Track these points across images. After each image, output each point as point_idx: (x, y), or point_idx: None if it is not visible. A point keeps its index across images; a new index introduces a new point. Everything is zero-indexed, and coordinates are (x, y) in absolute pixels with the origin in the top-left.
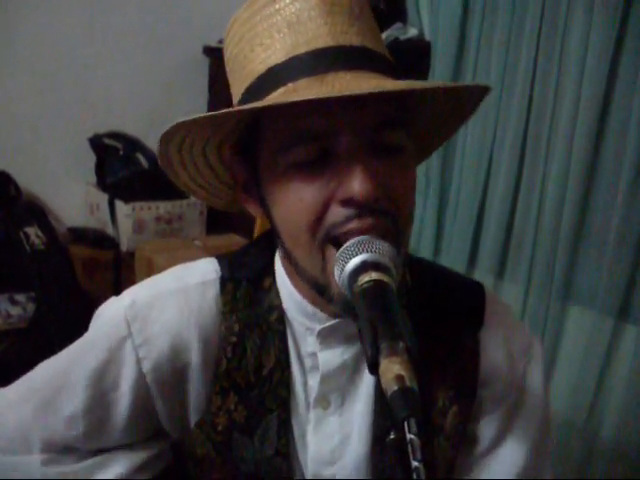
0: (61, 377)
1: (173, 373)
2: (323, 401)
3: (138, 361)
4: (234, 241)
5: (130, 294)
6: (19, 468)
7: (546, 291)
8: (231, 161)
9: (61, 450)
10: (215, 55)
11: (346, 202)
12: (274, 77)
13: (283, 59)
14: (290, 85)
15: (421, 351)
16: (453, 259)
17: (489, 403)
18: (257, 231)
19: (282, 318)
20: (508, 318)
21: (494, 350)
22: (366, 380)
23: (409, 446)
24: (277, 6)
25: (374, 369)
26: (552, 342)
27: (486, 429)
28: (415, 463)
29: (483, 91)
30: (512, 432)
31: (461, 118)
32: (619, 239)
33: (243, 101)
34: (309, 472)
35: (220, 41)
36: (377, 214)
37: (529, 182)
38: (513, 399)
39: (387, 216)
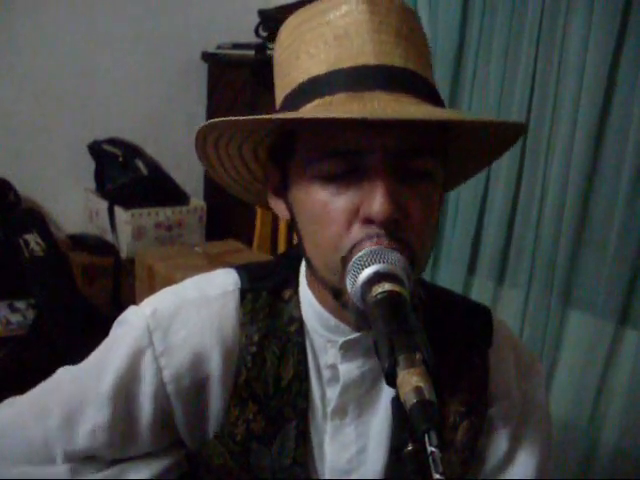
0: (84, 389)
1: (193, 384)
2: (341, 412)
3: (159, 371)
4: (234, 247)
5: (151, 303)
6: (47, 478)
7: (546, 296)
8: (266, 163)
9: (83, 459)
10: (213, 61)
11: (366, 220)
12: (313, 88)
13: (324, 71)
14: (327, 98)
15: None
16: (453, 265)
17: (498, 419)
18: (257, 237)
19: (301, 330)
20: (513, 338)
21: (502, 367)
22: (384, 392)
23: (430, 459)
24: (327, 18)
25: (391, 381)
26: (552, 347)
27: (496, 446)
28: (437, 475)
29: (519, 129)
30: (522, 448)
31: (493, 153)
32: (619, 244)
33: (283, 107)
34: None
35: (219, 47)
36: (395, 241)
37: (529, 187)
38: (521, 415)
39: (405, 247)
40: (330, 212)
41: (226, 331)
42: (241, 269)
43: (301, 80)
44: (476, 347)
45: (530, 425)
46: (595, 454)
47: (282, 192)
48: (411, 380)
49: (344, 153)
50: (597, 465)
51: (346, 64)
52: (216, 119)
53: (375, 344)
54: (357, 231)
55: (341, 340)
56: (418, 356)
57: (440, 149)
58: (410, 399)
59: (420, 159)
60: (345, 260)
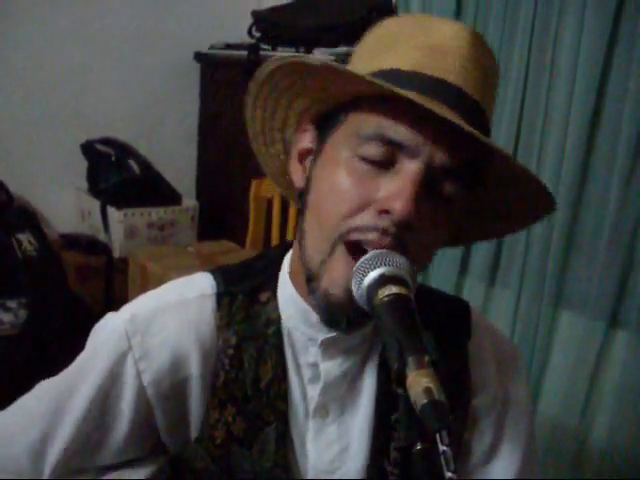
0: (64, 398)
1: (173, 386)
2: (322, 411)
3: (138, 374)
4: (226, 247)
5: (129, 309)
6: None
7: (537, 297)
8: (305, 127)
9: (69, 472)
10: (206, 61)
11: (383, 212)
12: (393, 77)
13: (408, 68)
14: (401, 90)
15: None
16: (445, 266)
17: (481, 411)
18: (250, 238)
19: (279, 331)
20: (492, 330)
21: (482, 360)
22: (364, 391)
23: (442, 457)
24: (428, 31)
25: (401, 382)
26: (543, 347)
27: (480, 438)
28: (449, 474)
29: (548, 205)
30: (506, 440)
31: (514, 223)
32: (610, 245)
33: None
34: None
35: (211, 47)
36: (399, 244)
37: None
38: (503, 407)
39: (404, 252)
40: (348, 190)
41: (204, 334)
42: (217, 272)
43: (383, 67)
44: (456, 340)
45: (513, 417)
46: (585, 454)
47: (307, 160)
48: (421, 381)
49: (393, 143)
50: (587, 464)
51: (430, 72)
52: (312, 58)
53: (383, 346)
54: (368, 216)
55: (322, 337)
56: (427, 358)
57: (470, 182)
58: (421, 399)
59: (451, 182)
60: (338, 240)
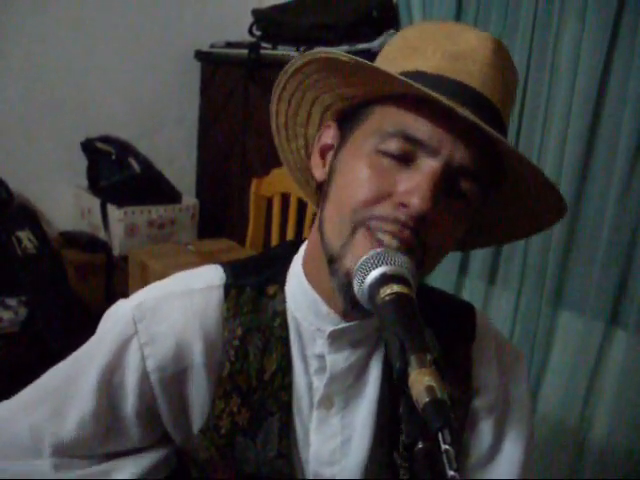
0: (70, 381)
1: (176, 374)
2: (327, 402)
3: (143, 359)
4: (226, 245)
5: (137, 296)
6: (31, 473)
7: (537, 297)
8: (328, 123)
9: (71, 456)
10: (207, 59)
11: (401, 205)
12: (416, 78)
13: (430, 71)
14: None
15: None
16: (444, 265)
17: (481, 413)
18: (249, 236)
19: (285, 324)
20: (496, 333)
21: (485, 361)
22: (370, 384)
23: (444, 456)
24: (453, 38)
25: (403, 381)
26: (543, 347)
27: (480, 440)
28: (451, 472)
29: (559, 211)
30: (506, 443)
31: (525, 228)
32: (609, 245)
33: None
34: (310, 471)
35: (212, 45)
36: (416, 238)
37: None
38: (503, 410)
39: (420, 248)
40: (368, 181)
41: (209, 324)
42: (227, 265)
43: (408, 69)
44: (459, 342)
45: (513, 420)
46: (584, 453)
47: (329, 154)
48: (423, 380)
49: (413, 140)
50: (586, 464)
51: (453, 76)
52: (338, 52)
53: (386, 345)
54: (387, 208)
55: (330, 329)
56: (429, 356)
57: (487, 182)
58: (423, 398)
59: (469, 182)
60: (359, 224)
